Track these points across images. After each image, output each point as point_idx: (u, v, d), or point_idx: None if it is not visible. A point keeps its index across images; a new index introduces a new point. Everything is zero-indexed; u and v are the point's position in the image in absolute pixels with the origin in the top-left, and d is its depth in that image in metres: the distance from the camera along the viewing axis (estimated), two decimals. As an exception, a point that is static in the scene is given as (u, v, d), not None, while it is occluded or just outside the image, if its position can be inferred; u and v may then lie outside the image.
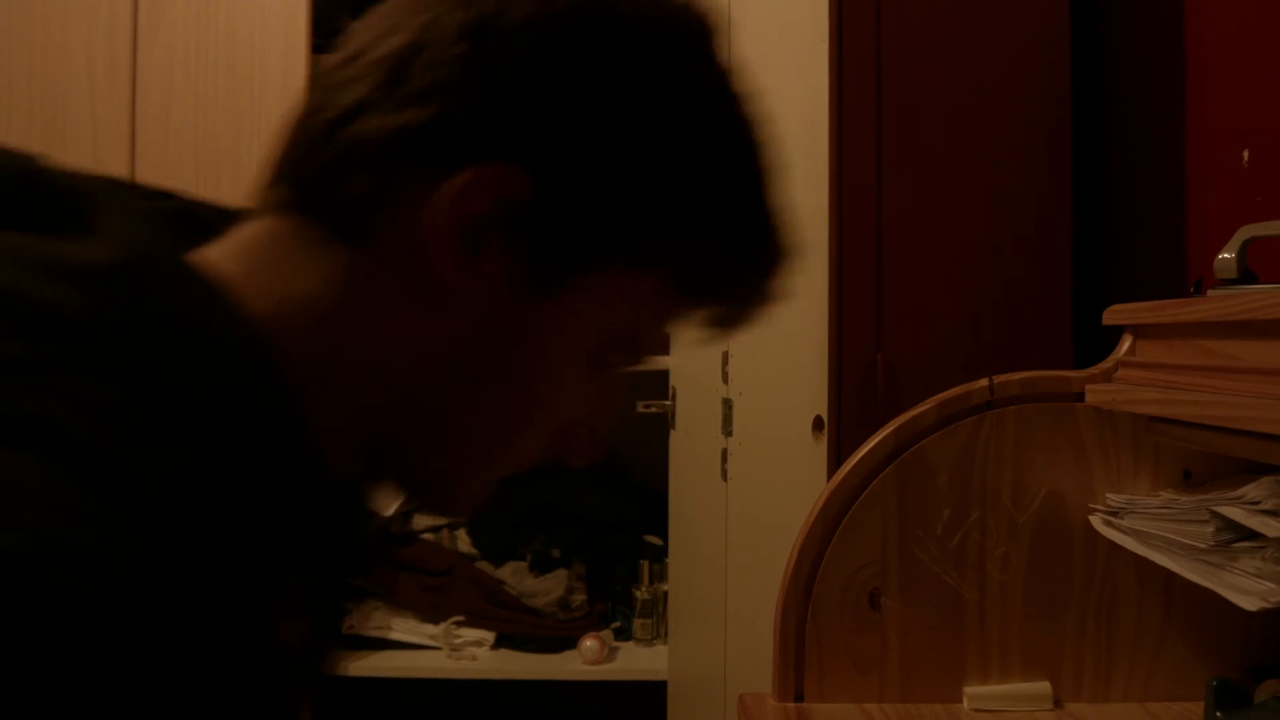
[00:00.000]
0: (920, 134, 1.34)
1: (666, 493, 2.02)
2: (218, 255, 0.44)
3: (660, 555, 1.97)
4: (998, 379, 1.04)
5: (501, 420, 0.48)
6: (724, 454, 1.49)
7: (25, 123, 1.82)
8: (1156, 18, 1.36)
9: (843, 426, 1.27)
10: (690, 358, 1.71)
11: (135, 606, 0.32)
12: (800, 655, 1.04)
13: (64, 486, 0.32)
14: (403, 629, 1.93)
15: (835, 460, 1.26)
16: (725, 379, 1.49)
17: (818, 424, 1.28)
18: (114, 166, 1.80)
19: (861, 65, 1.32)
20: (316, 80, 0.47)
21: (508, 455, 0.50)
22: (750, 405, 1.43)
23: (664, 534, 1.98)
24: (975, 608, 1.04)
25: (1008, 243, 1.35)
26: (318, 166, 0.45)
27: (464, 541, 2.00)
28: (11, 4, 1.83)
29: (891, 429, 1.03)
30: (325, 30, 1.90)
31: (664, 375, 1.84)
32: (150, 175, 1.80)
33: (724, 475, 1.49)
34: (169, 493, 0.35)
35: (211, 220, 0.48)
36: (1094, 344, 1.39)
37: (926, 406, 1.04)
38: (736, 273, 0.51)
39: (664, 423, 1.82)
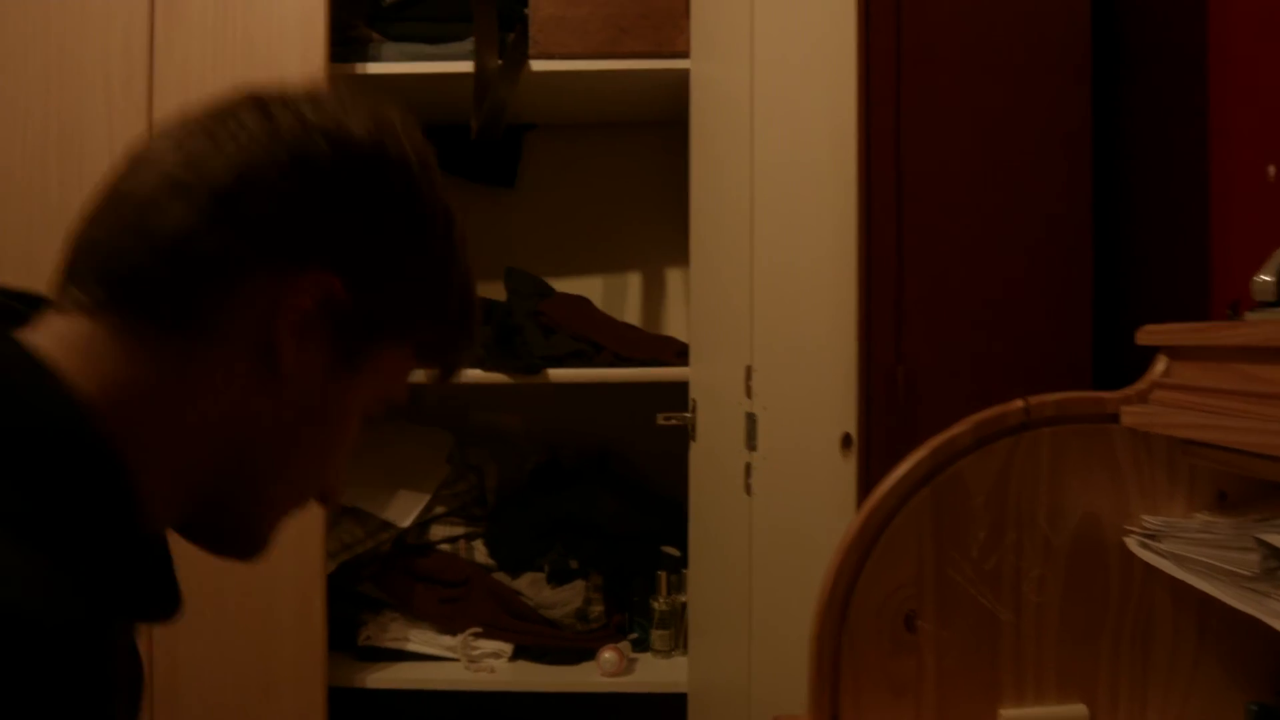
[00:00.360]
0: (939, 148, 1.34)
1: (685, 504, 2.01)
2: (40, 340, 0.52)
3: (678, 566, 1.96)
4: (1033, 400, 1.04)
5: (307, 469, 0.61)
6: (748, 468, 1.48)
7: (41, 135, 1.81)
8: (1178, 28, 1.35)
9: (871, 443, 1.27)
10: (711, 371, 1.71)
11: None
12: (836, 677, 1.04)
13: None
14: (420, 640, 1.93)
15: (865, 477, 1.26)
16: (749, 393, 1.49)
17: (846, 441, 1.28)
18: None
19: (883, 78, 1.32)
20: (118, 195, 0.57)
21: (303, 497, 0.62)
22: (775, 420, 1.43)
23: (682, 545, 1.98)
24: (1011, 630, 1.04)
25: (1026, 257, 1.36)
26: (147, 275, 0.54)
27: (481, 552, 1.99)
28: (26, 16, 1.82)
29: (927, 450, 1.03)
30: (342, 39, 1.89)
31: (683, 387, 1.84)
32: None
33: (748, 490, 1.48)
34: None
35: (14, 308, 0.57)
36: (1113, 361, 1.39)
37: (963, 428, 1.03)
38: (451, 340, 0.67)
39: (682, 434, 1.82)
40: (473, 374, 1.84)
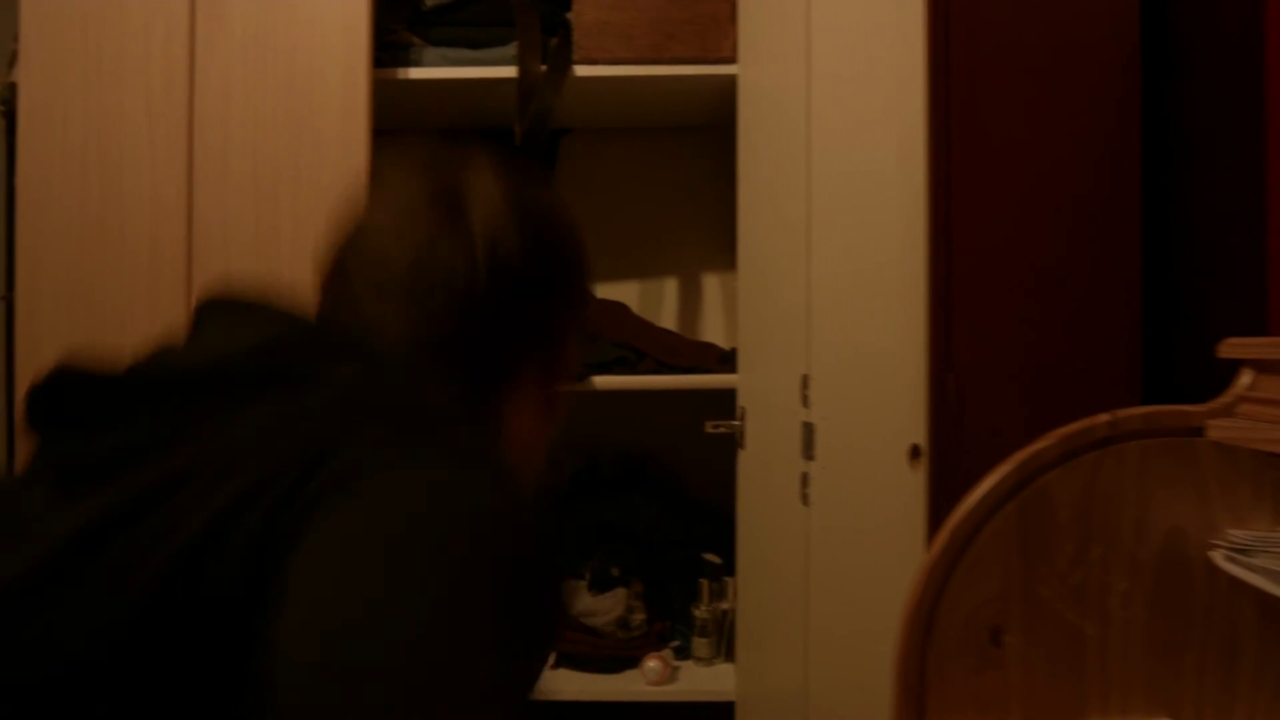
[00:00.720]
0: (988, 149, 1.34)
1: (726, 510, 2.01)
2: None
3: (719, 574, 1.95)
4: (1119, 414, 1.03)
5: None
6: (804, 478, 1.47)
7: (80, 145, 1.80)
8: (1233, 19, 1.35)
9: (938, 453, 1.26)
10: (762, 379, 1.70)
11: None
12: (922, 693, 1.03)
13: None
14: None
15: (934, 489, 1.25)
16: (805, 402, 1.48)
17: (915, 452, 1.27)
18: (172, 192, 1.79)
19: (951, 81, 1.32)
20: (424, 283, 0.72)
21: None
22: (835, 430, 1.42)
23: (723, 552, 1.97)
24: (1097, 644, 1.03)
25: (1074, 261, 1.35)
26: (471, 349, 0.73)
27: (521, 560, 1.98)
28: (65, 25, 1.81)
29: (1013, 464, 1.02)
30: (382, 43, 1.88)
31: (725, 394, 1.83)
32: (210, 201, 1.78)
33: (804, 499, 1.47)
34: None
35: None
36: (1166, 369, 1.38)
37: (1048, 441, 1.03)
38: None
39: (724, 440, 1.81)
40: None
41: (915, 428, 1.27)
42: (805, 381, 1.48)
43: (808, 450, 1.47)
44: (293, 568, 0.52)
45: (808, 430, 1.47)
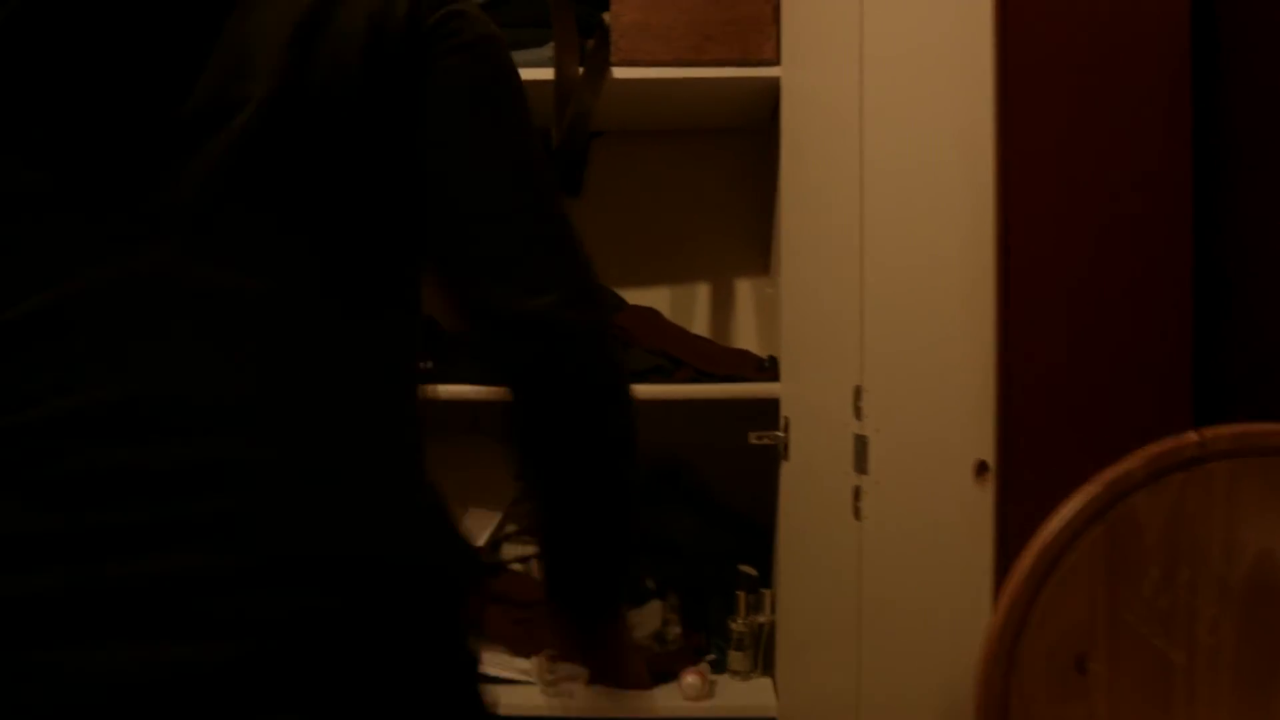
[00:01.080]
0: (1039, 150, 1.31)
1: (762, 520, 1.97)
2: None
3: (756, 586, 1.91)
4: (1207, 433, 1.00)
5: None
6: (856, 492, 1.43)
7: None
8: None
9: (1006, 469, 1.22)
10: (808, 389, 1.66)
11: None
12: (1004, 723, 0.99)
13: None
14: (494, 663, 1.88)
15: (1003, 507, 1.22)
16: (858, 414, 1.44)
17: (981, 468, 1.23)
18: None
19: (1014, 81, 1.28)
20: None
21: None
22: (890, 444, 1.38)
23: (759, 564, 1.93)
24: (1184, 672, 0.99)
25: (1123, 262, 1.33)
26: None
27: (554, 572, 1.94)
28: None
29: (1100, 485, 0.99)
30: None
31: (763, 403, 1.79)
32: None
33: (856, 514, 1.43)
34: None
35: None
36: (1215, 385, 1.35)
37: (1135, 462, 0.99)
38: None
39: (761, 450, 1.78)
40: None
41: (978, 442, 1.23)
42: (858, 393, 1.45)
43: (860, 464, 1.43)
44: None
45: (860, 443, 1.43)
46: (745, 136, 2.10)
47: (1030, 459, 1.22)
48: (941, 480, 1.28)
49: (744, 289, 2.15)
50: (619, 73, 1.77)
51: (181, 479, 0.63)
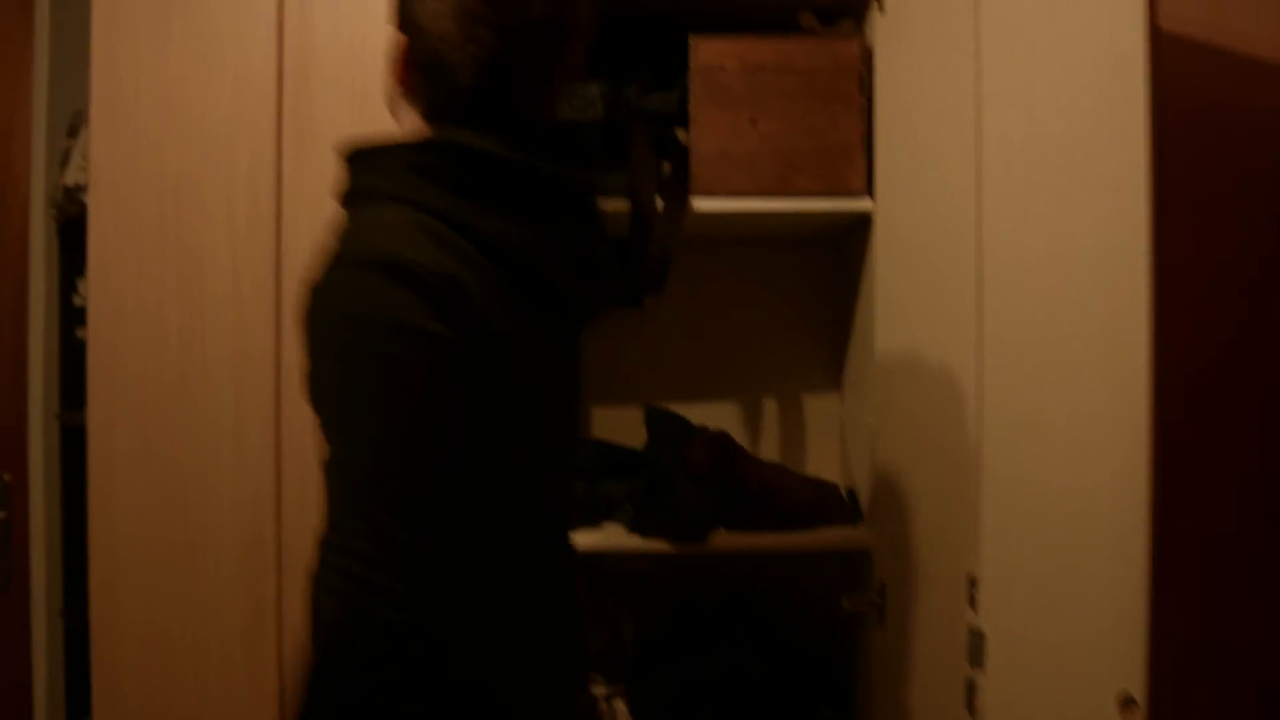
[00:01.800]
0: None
1: (837, 654, 1.89)
2: None
3: (835, 728, 1.84)
4: None
5: None
6: (970, 686, 1.35)
7: (158, 263, 1.65)
8: None
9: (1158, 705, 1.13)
10: (907, 560, 1.57)
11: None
12: None
13: None
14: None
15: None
16: (973, 605, 1.35)
17: (1127, 703, 1.14)
18: (259, 343, 1.65)
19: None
20: None
21: None
22: (1012, 645, 1.30)
23: (834, 703, 1.85)
24: None
25: None
26: None
27: (624, 713, 1.86)
28: (138, 157, 1.66)
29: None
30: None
31: (864, 557, 1.70)
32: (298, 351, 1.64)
33: (970, 709, 1.35)
34: None
35: None
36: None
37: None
38: None
39: (831, 578, 1.70)
40: (629, 540, 1.70)
41: (1127, 669, 1.14)
42: (973, 583, 1.36)
43: (975, 658, 1.34)
44: None
45: (976, 638, 1.34)
46: (818, 246, 2.01)
47: (1184, 692, 1.13)
48: (1077, 703, 1.20)
49: (814, 405, 2.06)
50: (700, 204, 1.68)
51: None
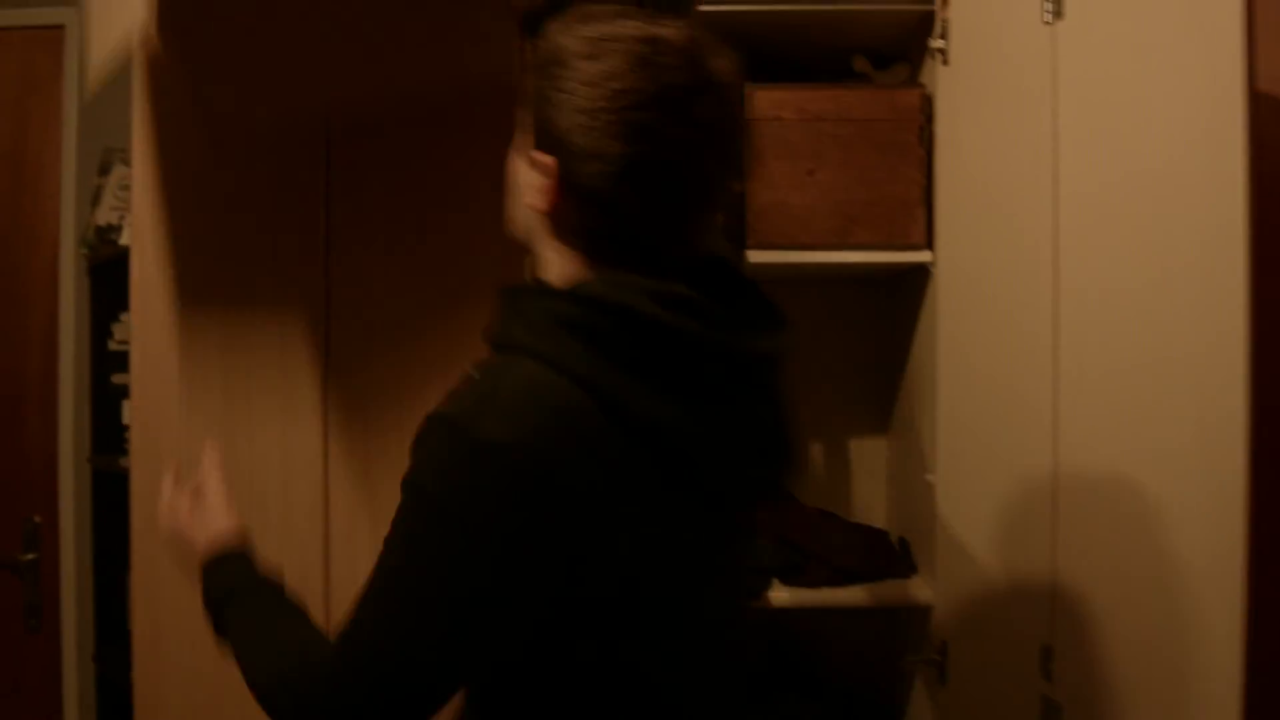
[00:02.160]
0: None
1: (887, 712, 1.87)
2: None
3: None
4: None
5: None
6: (1045, 757, 1.33)
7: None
8: None
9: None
10: (975, 620, 1.54)
11: None
12: None
13: None
14: None
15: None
16: (1048, 677, 1.33)
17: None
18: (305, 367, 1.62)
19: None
20: None
21: None
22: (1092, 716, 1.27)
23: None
24: None
25: None
26: None
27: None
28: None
29: None
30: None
31: (922, 614, 1.66)
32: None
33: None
34: None
35: None
36: None
37: None
38: None
39: (880, 628, 1.67)
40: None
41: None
42: (1047, 654, 1.33)
43: (1051, 729, 1.32)
44: None
45: (1050, 707, 1.32)
46: (868, 290, 1.98)
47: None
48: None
49: (861, 450, 2.03)
50: (755, 256, 1.65)
51: None
